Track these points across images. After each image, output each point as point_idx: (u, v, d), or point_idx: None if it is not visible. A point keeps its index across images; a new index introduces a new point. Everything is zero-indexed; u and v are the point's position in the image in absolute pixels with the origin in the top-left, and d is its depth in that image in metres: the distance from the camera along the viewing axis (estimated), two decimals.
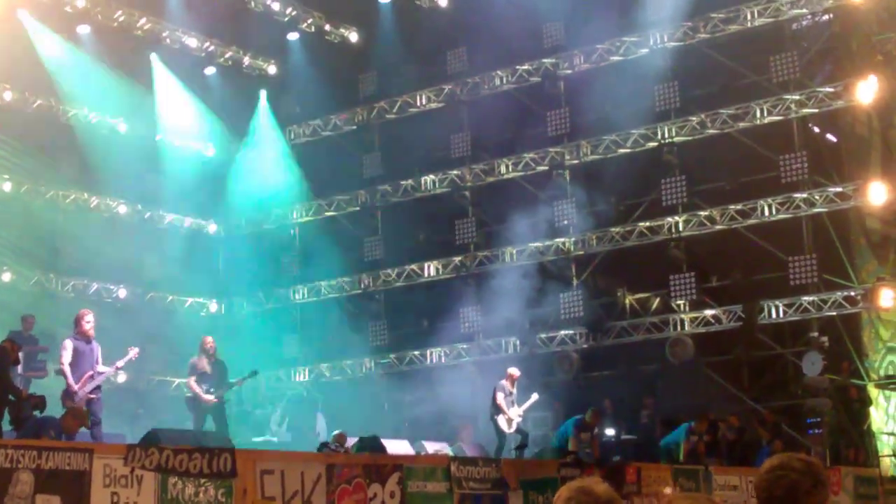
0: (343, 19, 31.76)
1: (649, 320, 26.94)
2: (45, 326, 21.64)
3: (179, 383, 27.67)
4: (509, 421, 20.13)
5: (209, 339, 17.50)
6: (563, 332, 27.26)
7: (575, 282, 27.53)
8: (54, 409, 14.48)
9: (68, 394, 14.38)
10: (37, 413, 14.09)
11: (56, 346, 20.47)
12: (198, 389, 16.50)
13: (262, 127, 31.98)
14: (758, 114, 25.64)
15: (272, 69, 32.58)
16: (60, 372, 14.67)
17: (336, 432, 18.18)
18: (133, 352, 15.51)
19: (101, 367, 14.76)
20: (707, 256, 26.65)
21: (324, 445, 17.34)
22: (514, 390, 20.58)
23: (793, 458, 4.30)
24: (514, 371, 20.81)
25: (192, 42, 30.30)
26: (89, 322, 14.81)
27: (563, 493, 4.32)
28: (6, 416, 14.04)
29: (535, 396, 20.93)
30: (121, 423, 16.34)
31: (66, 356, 14.43)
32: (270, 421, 23.38)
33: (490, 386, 21.07)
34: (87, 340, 14.63)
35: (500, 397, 20.21)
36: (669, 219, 26.42)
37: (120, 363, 15.18)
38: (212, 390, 16.59)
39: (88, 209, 28.63)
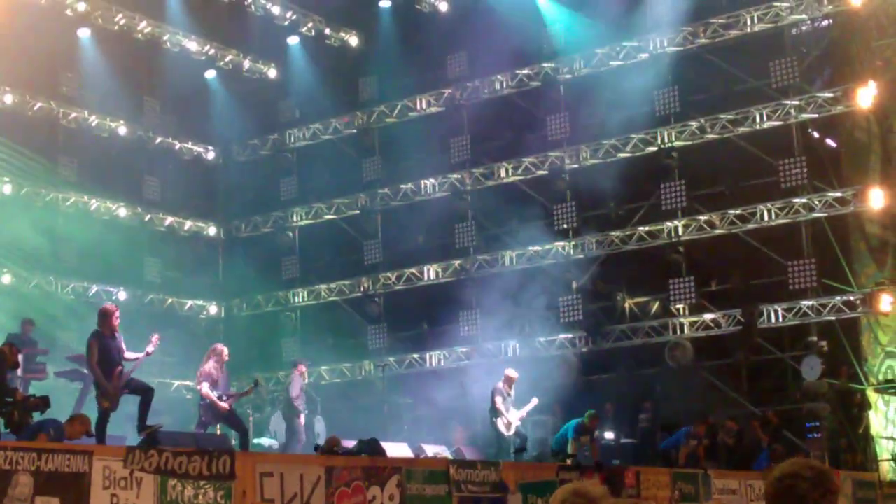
0: (343, 23, 31.80)
1: (649, 324, 26.98)
2: (44, 329, 21.63)
3: (178, 386, 27.79)
4: (508, 424, 20.11)
5: (224, 348, 17.44)
6: (562, 336, 27.29)
7: (574, 285, 27.54)
8: (60, 413, 14.49)
9: (104, 394, 14.29)
10: (37, 414, 14.10)
11: (56, 349, 20.58)
12: (213, 397, 16.51)
13: None
14: (757, 119, 25.68)
15: (272, 73, 32.59)
16: (92, 372, 14.54)
17: (329, 436, 18.19)
18: (155, 338, 15.51)
19: (128, 354, 14.72)
20: (706, 261, 26.68)
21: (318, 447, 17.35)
22: (513, 392, 20.54)
23: (804, 466, 4.29)
24: (512, 373, 20.75)
25: (192, 45, 30.33)
26: (118, 318, 14.76)
27: (559, 495, 4.34)
28: (3, 420, 14.03)
29: (534, 401, 20.88)
30: (121, 425, 16.31)
31: (95, 355, 14.33)
32: (270, 423, 23.37)
33: (490, 389, 21.04)
34: (112, 336, 14.57)
35: (499, 401, 20.16)
36: (669, 223, 26.45)
37: (150, 349, 15.15)
38: (223, 398, 16.66)
39: (88, 211, 28.63)
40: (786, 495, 4.22)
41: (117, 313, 14.79)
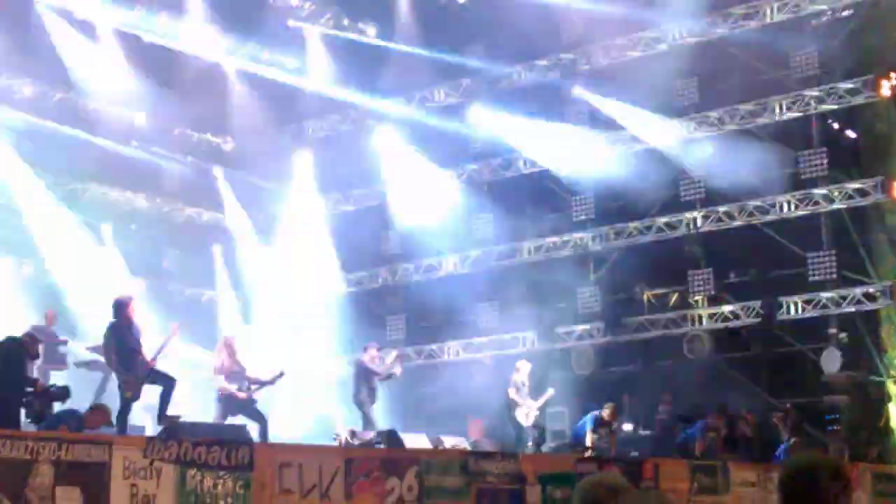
0: (361, 15, 31.76)
1: (667, 316, 26.90)
2: (64, 319, 21.73)
3: (198, 376, 27.85)
4: (527, 415, 20.18)
5: (232, 338, 17.49)
6: (580, 327, 27.24)
7: (593, 277, 27.50)
8: (81, 403, 14.57)
9: (126, 384, 14.37)
10: (58, 404, 14.18)
11: (76, 339, 20.66)
12: (231, 389, 16.54)
13: None
14: (777, 110, 25.56)
15: (290, 64, 32.58)
16: (111, 366, 14.65)
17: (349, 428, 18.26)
18: (174, 327, 15.57)
19: (146, 349, 14.79)
20: (725, 252, 26.59)
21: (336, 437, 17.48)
22: (528, 382, 20.62)
23: (821, 459, 4.27)
24: (523, 364, 20.88)
25: (210, 37, 30.33)
26: (134, 308, 14.82)
27: (583, 485, 4.36)
28: (24, 410, 14.11)
29: (550, 391, 20.93)
30: (140, 416, 16.40)
31: (112, 348, 14.40)
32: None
33: (506, 380, 21.15)
34: (130, 326, 14.62)
35: (513, 392, 20.29)
36: (688, 214, 26.37)
37: (166, 340, 15.24)
38: (249, 386, 16.70)
39: (108, 202, 28.70)
40: (802, 488, 4.20)
41: (133, 303, 14.83)
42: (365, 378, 19.87)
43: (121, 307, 14.63)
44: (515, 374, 20.59)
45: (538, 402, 20.55)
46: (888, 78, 24.22)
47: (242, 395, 16.57)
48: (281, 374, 18.01)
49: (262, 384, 17.34)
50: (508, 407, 20.38)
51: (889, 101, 24.59)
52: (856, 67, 25.28)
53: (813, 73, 24.95)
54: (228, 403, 16.64)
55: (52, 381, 16.28)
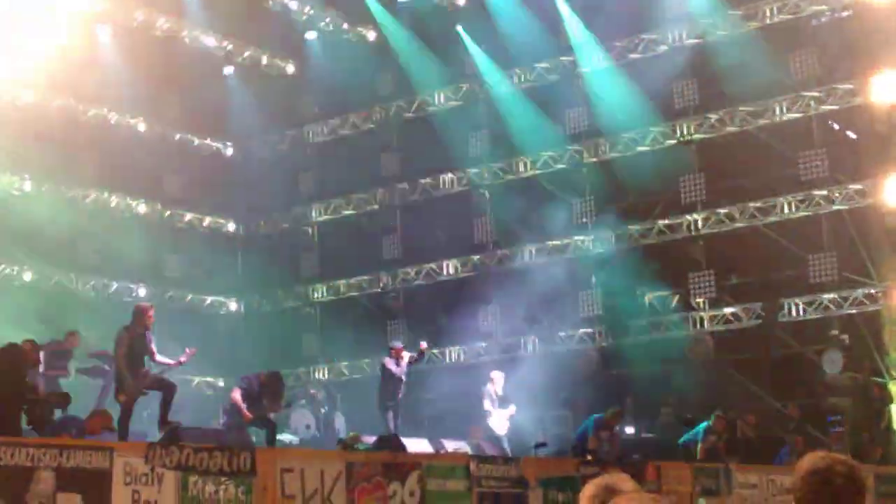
0: (361, 17, 31.77)
1: (669, 318, 26.86)
2: (65, 326, 21.68)
3: (199, 382, 27.88)
4: (500, 425, 20.36)
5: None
6: (582, 331, 27.21)
7: (594, 279, 27.47)
8: (82, 409, 14.56)
9: (124, 388, 14.32)
10: (59, 411, 14.15)
11: (77, 346, 20.61)
12: (241, 406, 16.42)
13: None
14: (777, 111, 25.55)
15: (290, 68, 32.62)
16: (116, 366, 14.61)
17: (351, 433, 18.23)
18: (190, 353, 15.51)
19: (159, 357, 14.78)
20: (726, 254, 26.57)
21: (341, 441, 17.44)
22: (501, 392, 20.72)
23: (836, 463, 4.19)
24: (497, 374, 21.01)
25: (210, 41, 30.39)
26: (152, 318, 14.84)
27: (589, 490, 4.32)
28: (25, 417, 14.08)
29: (512, 408, 20.89)
30: (141, 422, 16.35)
31: (123, 349, 14.39)
32: (290, 419, 23.37)
33: (510, 384, 21.18)
34: (143, 334, 14.61)
35: (487, 403, 20.42)
36: (688, 216, 26.36)
37: (183, 359, 15.24)
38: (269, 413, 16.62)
39: (108, 208, 28.71)
40: (818, 493, 4.11)
41: (151, 312, 14.85)
42: (384, 379, 19.82)
43: (139, 314, 14.67)
44: (490, 385, 20.70)
45: (505, 413, 20.64)
46: (888, 78, 24.18)
47: (249, 414, 16.38)
48: (287, 405, 17.87)
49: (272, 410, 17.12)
50: (482, 417, 20.56)
51: (889, 101, 24.55)
52: (855, 68, 25.27)
53: (813, 74, 24.94)
54: (235, 414, 16.52)
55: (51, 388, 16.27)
